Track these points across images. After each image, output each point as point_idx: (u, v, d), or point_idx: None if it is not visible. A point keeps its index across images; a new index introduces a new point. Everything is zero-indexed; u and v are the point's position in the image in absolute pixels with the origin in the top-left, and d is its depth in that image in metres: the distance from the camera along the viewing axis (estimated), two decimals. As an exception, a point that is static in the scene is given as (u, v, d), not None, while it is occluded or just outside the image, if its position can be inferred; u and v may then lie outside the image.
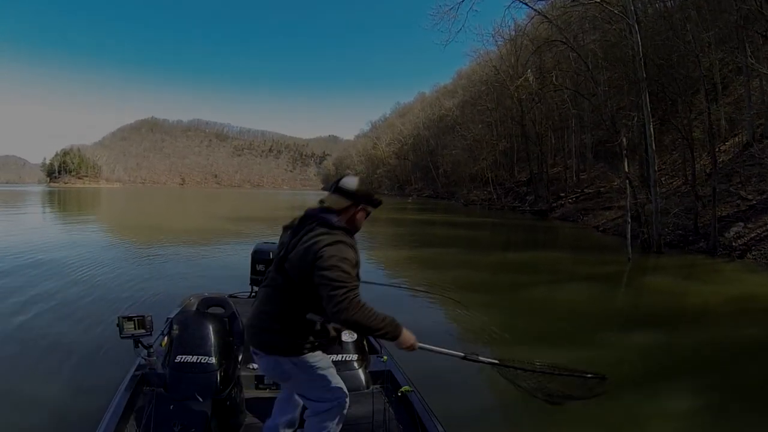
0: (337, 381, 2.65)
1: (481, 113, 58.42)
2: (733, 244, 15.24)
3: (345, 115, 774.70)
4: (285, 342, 2.48)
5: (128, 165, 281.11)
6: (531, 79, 26.91)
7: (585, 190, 33.89)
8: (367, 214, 2.66)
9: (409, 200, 72.61)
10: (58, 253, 12.87)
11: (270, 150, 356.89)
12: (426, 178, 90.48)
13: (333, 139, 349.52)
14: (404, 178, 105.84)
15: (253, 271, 5.54)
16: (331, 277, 2.24)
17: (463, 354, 2.69)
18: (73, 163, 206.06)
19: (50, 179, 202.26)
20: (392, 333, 2.39)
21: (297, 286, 2.40)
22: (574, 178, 38.70)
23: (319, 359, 2.59)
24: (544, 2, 20.56)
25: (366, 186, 2.64)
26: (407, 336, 2.45)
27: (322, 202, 2.58)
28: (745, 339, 7.25)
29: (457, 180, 70.93)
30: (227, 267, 11.65)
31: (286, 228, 2.65)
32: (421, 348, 2.56)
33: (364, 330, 2.34)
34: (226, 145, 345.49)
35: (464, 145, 62.78)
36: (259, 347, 2.55)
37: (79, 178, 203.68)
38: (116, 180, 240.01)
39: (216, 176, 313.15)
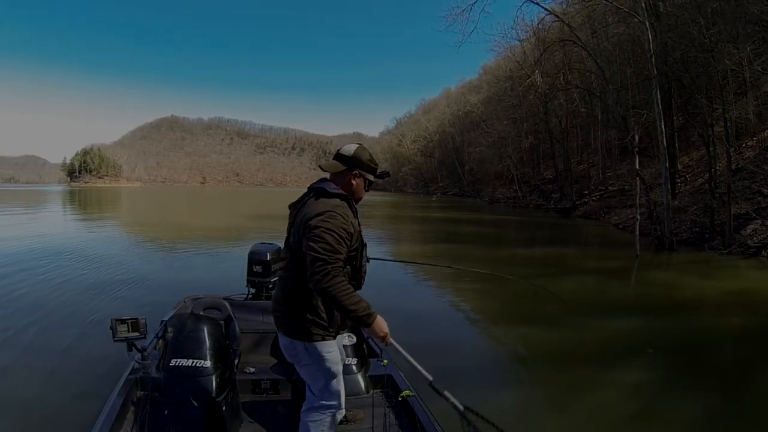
0: (338, 385, 2.69)
1: (506, 109, 58.38)
2: (749, 241, 15.49)
3: (370, 112, 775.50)
4: (301, 325, 2.53)
5: (148, 164, 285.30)
6: (539, 80, 27.20)
7: (609, 187, 34.13)
8: (368, 183, 2.68)
9: (433, 198, 72.98)
10: (57, 253, 13.15)
11: (293, 148, 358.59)
12: (452, 176, 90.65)
13: (358, 137, 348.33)
14: (430, 176, 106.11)
15: (250, 272, 5.54)
16: (314, 248, 2.30)
17: (431, 378, 2.46)
18: (93, 163, 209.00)
19: (70, 179, 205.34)
20: (364, 318, 2.36)
21: (302, 259, 2.42)
22: (600, 176, 38.81)
23: (331, 353, 2.62)
24: (554, 1, 20.95)
25: (366, 153, 2.64)
26: (379, 326, 2.43)
27: (320, 167, 2.66)
28: (733, 328, 7.89)
29: (482, 177, 71.28)
30: (226, 267, 11.70)
31: (290, 206, 2.68)
32: (393, 345, 2.55)
33: (335, 304, 2.34)
34: (248, 143, 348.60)
35: (489, 142, 62.99)
36: (279, 329, 2.64)
37: (99, 177, 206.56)
38: (136, 179, 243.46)
39: (238, 174, 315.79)
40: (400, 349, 2.57)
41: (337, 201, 2.48)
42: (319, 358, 2.57)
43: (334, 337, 2.65)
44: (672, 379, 5.62)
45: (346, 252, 2.41)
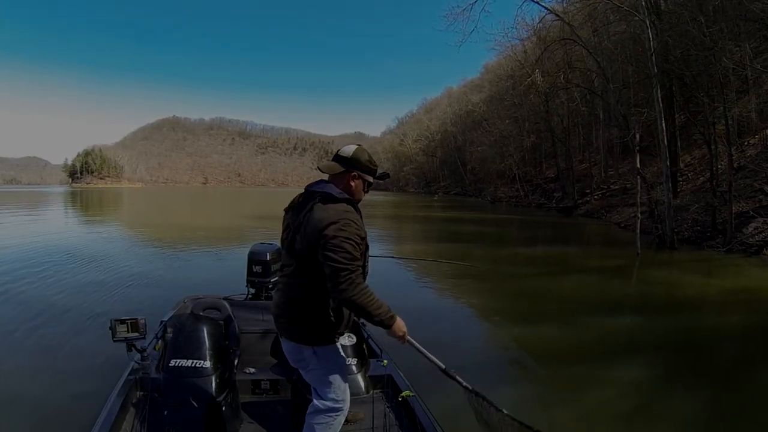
0: (345, 387, 2.70)
1: (507, 108, 58.47)
2: (750, 240, 15.52)
3: (372, 112, 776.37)
4: (308, 331, 2.53)
5: (150, 165, 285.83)
6: (539, 79, 27.27)
7: (611, 186, 34.19)
8: (367, 184, 2.64)
9: (435, 198, 73.01)
10: (57, 253, 13.18)
11: (294, 148, 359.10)
12: (454, 175, 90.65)
13: (359, 137, 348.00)
14: (432, 176, 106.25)
15: (250, 272, 5.51)
16: (335, 258, 2.28)
17: (443, 366, 2.63)
18: (94, 164, 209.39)
19: (72, 180, 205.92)
20: (387, 321, 2.42)
21: (310, 266, 2.42)
22: (602, 175, 38.95)
23: (339, 355, 2.69)
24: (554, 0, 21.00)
25: (365, 154, 2.59)
26: (399, 326, 2.49)
27: (319, 168, 2.61)
28: (734, 326, 7.93)
29: (484, 177, 71.37)
30: (225, 268, 11.68)
31: (287, 209, 2.64)
32: (409, 343, 2.60)
33: (360, 312, 2.36)
34: (250, 143, 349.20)
35: (491, 142, 63.05)
36: (284, 335, 2.62)
37: (101, 178, 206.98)
38: (138, 180, 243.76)
39: (239, 175, 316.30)
40: (416, 344, 2.61)
41: (346, 206, 2.45)
42: (327, 361, 2.59)
43: (338, 339, 2.67)
44: (672, 376, 5.69)
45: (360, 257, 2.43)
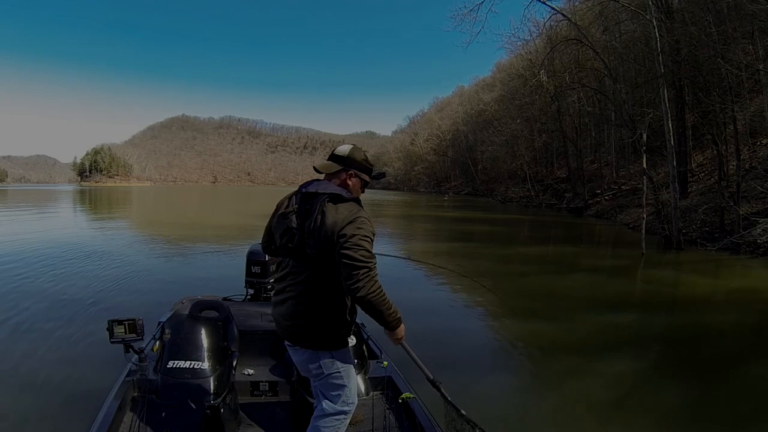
0: (354, 387, 2.71)
1: (518, 108, 58.37)
2: (758, 241, 15.59)
3: (382, 111, 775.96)
4: (327, 336, 2.52)
5: (159, 163, 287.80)
6: (544, 79, 27.31)
7: (622, 187, 34.26)
8: (364, 184, 2.66)
9: (445, 198, 72.71)
10: (57, 250, 13.29)
11: (305, 147, 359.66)
12: (465, 175, 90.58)
13: (370, 135, 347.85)
14: (443, 175, 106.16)
15: (249, 273, 5.48)
16: (354, 257, 2.27)
17: (431, 377, 2.71)
18: (103, 162, 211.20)
19: (81, 178, 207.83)
20: (395, 322, 2.45)
21: (326, 269, 2.42)
22: (613, 175, 39.00)
23: (351, 356, 2.70)
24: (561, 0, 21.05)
25: (360, 154, 2.62)
26: (402, 330, 2.53)
27: (315, 168, 2.62)
28: (735, 325, 8.07)
29: (495, 177, 71.29)
30: (225, 268, 11.74)
31: (284, 215, 2.59)
32: (403, 347, 2.67)
33: (373, 310, 2.35)
34: (259, 142, 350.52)
35: (502, 141, 63.13)
36: (301, 344, 2.58)
37: (110, 177, 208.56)
38: (147, 179, 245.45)
39: (249, 174, 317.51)
40: (408, 348, 2.69)
41: (356, 205, 2.46)
42: (343, 364, 2.60)
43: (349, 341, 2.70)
44: (667, 372, 5.87)
45: None
